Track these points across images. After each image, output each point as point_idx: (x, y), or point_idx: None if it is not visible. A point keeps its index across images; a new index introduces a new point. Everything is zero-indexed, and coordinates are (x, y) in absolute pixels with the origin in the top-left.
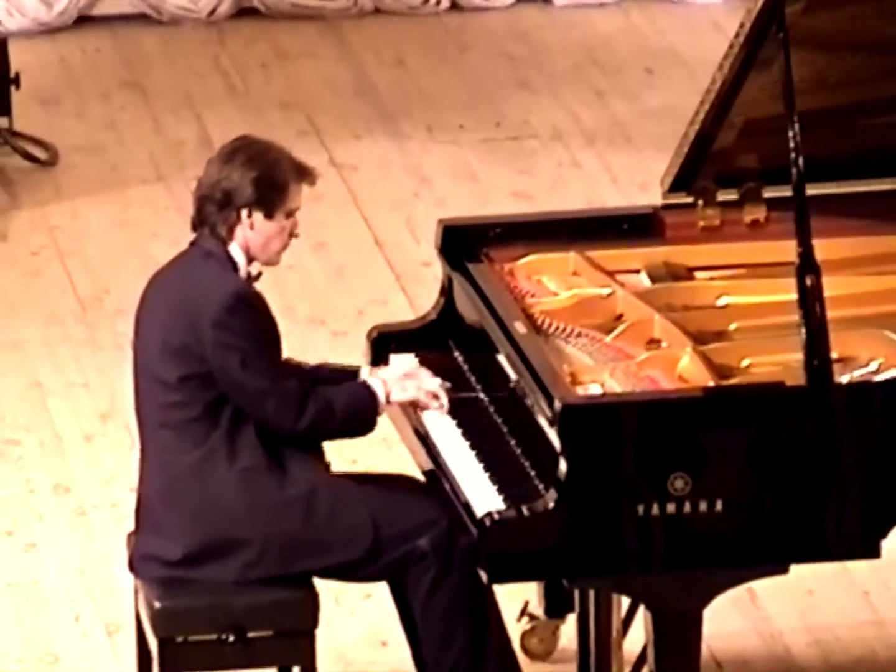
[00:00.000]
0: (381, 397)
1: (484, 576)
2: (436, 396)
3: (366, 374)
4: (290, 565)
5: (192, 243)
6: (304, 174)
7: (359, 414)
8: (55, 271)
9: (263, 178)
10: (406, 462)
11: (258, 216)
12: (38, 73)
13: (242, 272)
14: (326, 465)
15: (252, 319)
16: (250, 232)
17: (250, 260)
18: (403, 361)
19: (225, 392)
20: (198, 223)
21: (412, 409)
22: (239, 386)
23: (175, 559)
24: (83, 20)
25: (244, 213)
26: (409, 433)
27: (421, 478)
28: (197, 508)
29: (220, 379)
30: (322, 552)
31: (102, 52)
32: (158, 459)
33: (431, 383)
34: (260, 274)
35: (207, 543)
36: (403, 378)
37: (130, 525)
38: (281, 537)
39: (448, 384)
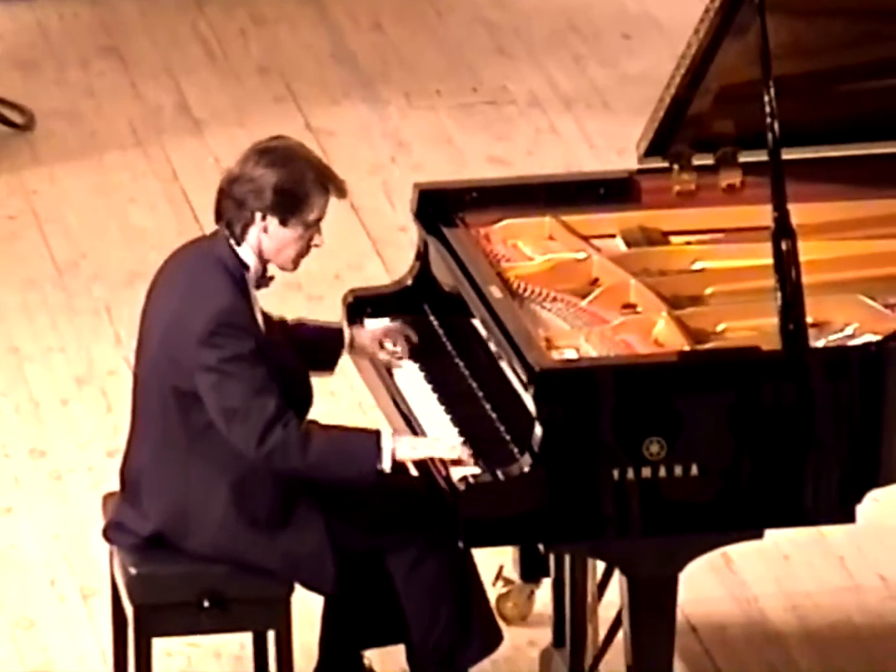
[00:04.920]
0: (386, 450)
1: (460, 541)
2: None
3: (345, 332)
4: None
5: (214, 234)
6: (332, 187)
7: (351, 457)
8: (32, 236)
9: (284, 186)
10: (382, 425)
11: (273, 221)
12: (14, 38)
13: (252, 275)
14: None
15: (234, 340)
16: (264, 235)
17: (264, 261)
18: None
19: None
20: (216, 217)
21: (386, 372)
22: (210, 404)
23: (144, 534)
24: None
25: (258, 216)
26: (384, 397)
27: None
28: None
29: (201, 397)
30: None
31: (80, 18)
32: (150, 443)
33: (449, 449)
34: (272, 277)
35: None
36: (417, 440)
37: (107, 489)
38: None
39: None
